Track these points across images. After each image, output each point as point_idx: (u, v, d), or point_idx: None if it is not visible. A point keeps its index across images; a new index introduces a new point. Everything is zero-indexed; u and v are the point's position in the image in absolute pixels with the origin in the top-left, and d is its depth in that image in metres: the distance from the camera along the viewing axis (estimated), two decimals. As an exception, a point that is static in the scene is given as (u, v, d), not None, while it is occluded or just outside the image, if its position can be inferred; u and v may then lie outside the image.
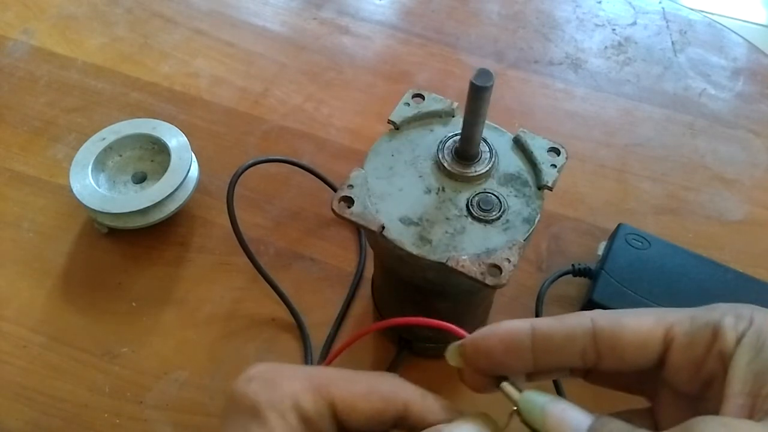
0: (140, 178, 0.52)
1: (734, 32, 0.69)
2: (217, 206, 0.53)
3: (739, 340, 0.22)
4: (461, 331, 0.27)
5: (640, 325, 0.23)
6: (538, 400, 0.23)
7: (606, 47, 0.67)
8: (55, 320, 0.47)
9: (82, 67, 0.64)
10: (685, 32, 0.69)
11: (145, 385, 0.44)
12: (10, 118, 0.60)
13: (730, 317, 0.22)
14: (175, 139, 0.52)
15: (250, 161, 0.47)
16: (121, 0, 0.70)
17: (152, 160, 0.53)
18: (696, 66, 0.65)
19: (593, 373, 0.25)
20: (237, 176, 0.45)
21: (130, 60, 0.65)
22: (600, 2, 0.72)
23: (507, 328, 0.24)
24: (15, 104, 0.61)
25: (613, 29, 0.69)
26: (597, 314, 0.24)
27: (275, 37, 0.67)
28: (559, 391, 0.43)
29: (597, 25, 0.70)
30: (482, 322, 0.45)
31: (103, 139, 0.52)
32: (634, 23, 0.70)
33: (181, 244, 0.51)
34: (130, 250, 0.51)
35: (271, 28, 0.68)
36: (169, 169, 0.50)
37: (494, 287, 0.31)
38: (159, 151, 0.53)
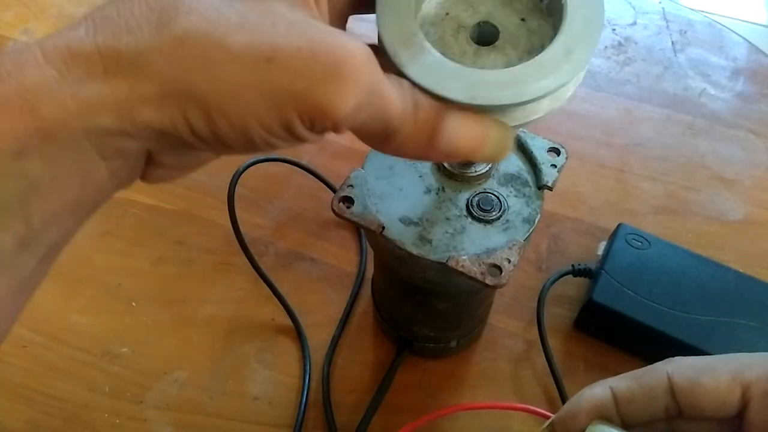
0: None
1: (734, 32, 0.69)
2: (217, 206, 0.53)
3: None
4: (547, 413, 0.29)
5: (717, 385, 0.24)
6: None
7: (606, 47, 0.67)
8: (55, 320, 0.47)
9: (82, 67, 0.64)
10: (685, 32, 0.69)
11: (145, 385, 0.44)
12: (10, 118, 0.60)
13: None
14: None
15: (250, 160, 0.47)
16: (121, 0, 0.70)
17: None
18: (696, 66, 0.65)
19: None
20: (237, 176, 0.45)
21: (130, 60, 0.64)
22: (600, 2, 0.72)
23: (591, 402, 0.25)
24: (15, 104, 0.61)
25: (613, 29, 0.69)
26: (674, 369, 0.24)
27: (275, 37, 0.67)
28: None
29: (597, 25, 0.70)
30: (482, 322, 0.45)
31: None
32: (634, 23, 0.70)
33: (181, 244, 0.51)
34: (130, 249, 0.51)
35: (271, 28, 0.68)
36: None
37: (494, 287, 0.31)
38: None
